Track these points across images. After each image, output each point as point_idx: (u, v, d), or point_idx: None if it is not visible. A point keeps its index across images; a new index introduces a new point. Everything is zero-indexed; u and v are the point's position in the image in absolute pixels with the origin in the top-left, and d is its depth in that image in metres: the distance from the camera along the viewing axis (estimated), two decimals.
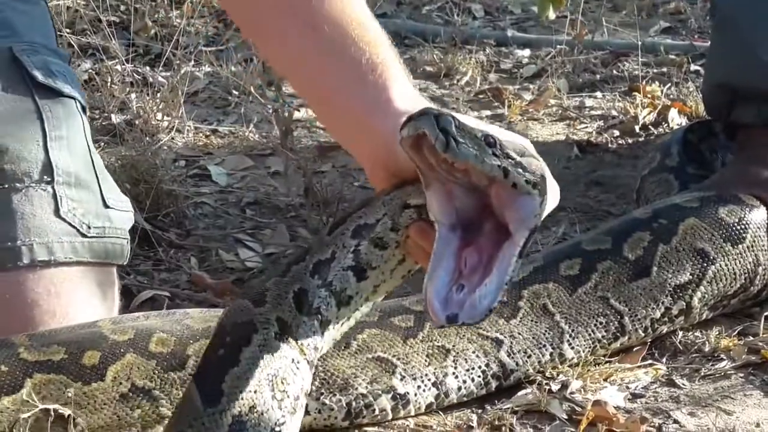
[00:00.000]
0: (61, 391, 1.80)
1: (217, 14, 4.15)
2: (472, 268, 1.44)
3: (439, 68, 3.81)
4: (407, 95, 1.64)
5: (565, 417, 2.04)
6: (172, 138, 3.34)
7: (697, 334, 2.32)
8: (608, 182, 3.07)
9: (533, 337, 2.13)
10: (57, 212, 2.07)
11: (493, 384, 2.09)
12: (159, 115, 3.38)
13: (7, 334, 1.90)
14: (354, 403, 1.97)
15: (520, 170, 1.44)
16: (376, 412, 1.99)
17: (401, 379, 2.01)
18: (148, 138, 3.15)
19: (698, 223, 2.29)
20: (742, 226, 2.32)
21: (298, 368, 1.51)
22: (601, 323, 2.19)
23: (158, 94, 3.41)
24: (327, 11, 1.65)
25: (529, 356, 2.12)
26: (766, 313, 2.34)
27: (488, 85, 3.74)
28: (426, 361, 2.03)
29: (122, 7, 4.19)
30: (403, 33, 4.16)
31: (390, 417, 2.01)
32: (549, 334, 2.15)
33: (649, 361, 2.24)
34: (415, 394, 2.02)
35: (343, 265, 1.57)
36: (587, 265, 2.21)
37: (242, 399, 1.43)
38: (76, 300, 2.03)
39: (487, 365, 2.08)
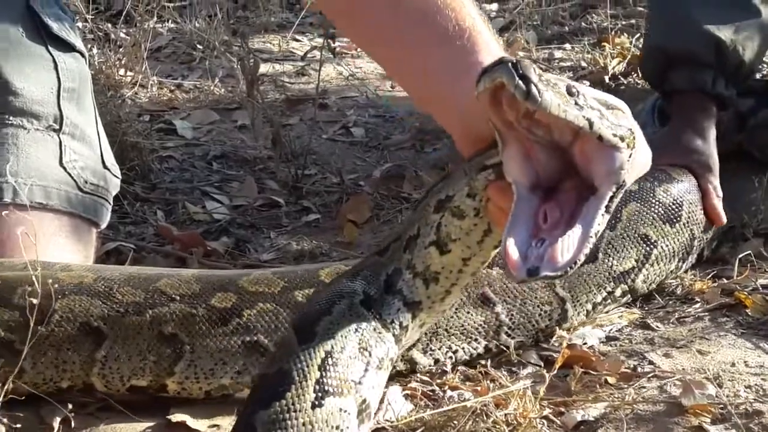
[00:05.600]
0: None
1: None
2: (553, 223, 1.35)
3: None
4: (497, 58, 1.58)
5: (541, 363, 2.02)
6: (136, 93, 3.27)
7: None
8: None
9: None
10: (60, 161, 2.10)
11: None
12: (122, 71, 3.31)
13: None
14: None
15: (606, 122, 1.35)
16: None
17: None
18: (111, 92, 3.09)
19: (639, 208, 2.25)
20: (678, 205, 2.28)
21: (380, 337, 1.50)
22: (545, 312, 2.10)
23: (120, 49, 3.34)
24: None
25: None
26: (739, 256, 2.33)
27: None
28: None
29: None
30: None
31: None
32: (485, 326, 2.03)
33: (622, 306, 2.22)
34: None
35: (426, 241, 1.52)
36: None
37: (333, 340, 1.47)
38: (56, 247, 2.03)
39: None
